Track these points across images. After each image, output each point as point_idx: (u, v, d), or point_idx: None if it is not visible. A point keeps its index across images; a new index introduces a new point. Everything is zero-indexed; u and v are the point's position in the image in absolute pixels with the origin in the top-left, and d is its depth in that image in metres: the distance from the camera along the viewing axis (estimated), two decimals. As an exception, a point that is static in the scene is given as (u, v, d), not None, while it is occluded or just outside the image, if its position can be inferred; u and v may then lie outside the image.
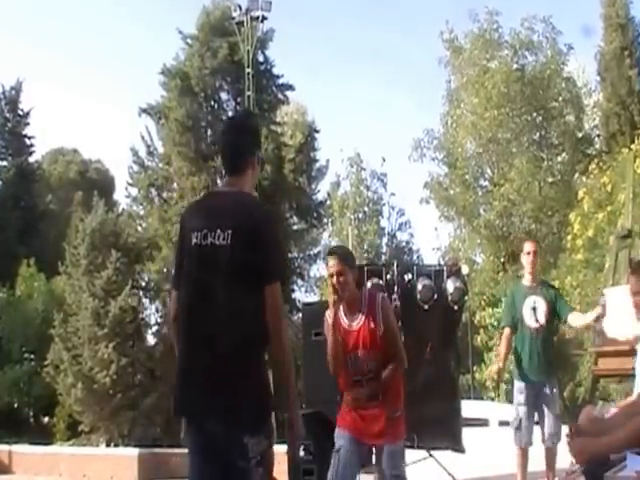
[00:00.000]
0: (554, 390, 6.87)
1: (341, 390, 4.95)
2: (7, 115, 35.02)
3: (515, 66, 27.58)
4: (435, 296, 7.86)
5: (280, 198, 26.32)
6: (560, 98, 28.01)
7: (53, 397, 25.21)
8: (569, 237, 21.84)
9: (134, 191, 27.66)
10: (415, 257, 35.42)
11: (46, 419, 28.25)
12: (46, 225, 33.42)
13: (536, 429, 6.90)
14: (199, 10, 27.76)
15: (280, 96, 28.40)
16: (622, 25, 25.86)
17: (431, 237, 55.54)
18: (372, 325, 4.77)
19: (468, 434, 8.40)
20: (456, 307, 8.08)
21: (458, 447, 8.07)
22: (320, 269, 33.76)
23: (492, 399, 23.01)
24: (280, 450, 3.45)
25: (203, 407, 3.24)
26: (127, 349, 24.01)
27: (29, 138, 35.59)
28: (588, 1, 47.61)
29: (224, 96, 28.35)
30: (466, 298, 8.95)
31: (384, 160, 36.48)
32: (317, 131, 30.68)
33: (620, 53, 25.59)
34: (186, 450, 3.41)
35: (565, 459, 5.30)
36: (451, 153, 28.52)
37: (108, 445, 23.34)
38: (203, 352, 3.26)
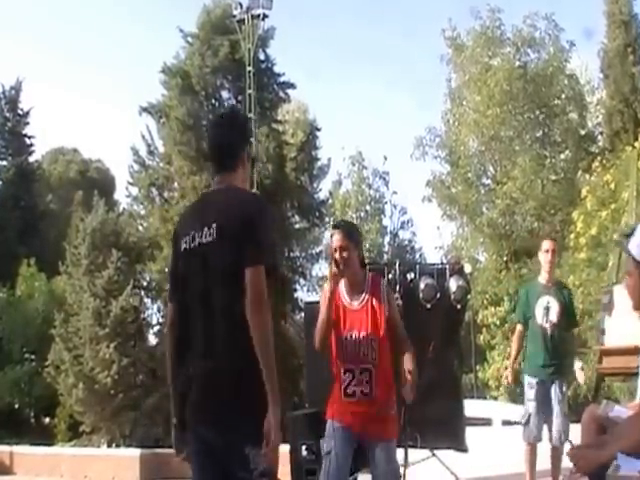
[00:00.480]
0: (563, 389, 6.85)
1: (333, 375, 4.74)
2: (7, 115, 34.95)
3: (517, 64, 27.47)
4: (438, 295, 7.79)
5: (281, 197, 26.26)
6: (563, 95, 27.91)
7: (54, 397, 25.18)
8: (572, 235, 21.74)
9: (135, 190, 27.66)
10: (417, 256, 35.42)
11: (47, 420, 28.24)
12: (46, 225, 33.38)
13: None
14: (200, 8, 27.78)
15: (281, 94, 28.35)
16: (625, 22, 25.73)
17: (433, 236, 55.55)
18: (376, 307, 4.60)
19: (471, 433, 8.36)
20: (459, 306, 8.01)
21: (461, 447, 8.01)
22: (322, 268, 33.74)
23: (495, 398, 22.98)
24: (282, 450, 3.37)
25: (203, 416, 3.14)
26: (128, 349, 23.98)
27: (29, 138, 35.56)
28: (590, -2, 47.45)
29: (225, 95, 28.34)
30: (469, 297, 8.90)
31: (386, 158, 36.44)
32: (318, 129, 30.61)
33: (623, 50, 25.46)
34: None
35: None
36: (453, 151, 28.43)
37: (109, 446, 23.30)
38: (200, 361, 3.16)
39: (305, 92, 55.15)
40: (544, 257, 7.04)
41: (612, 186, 20.12)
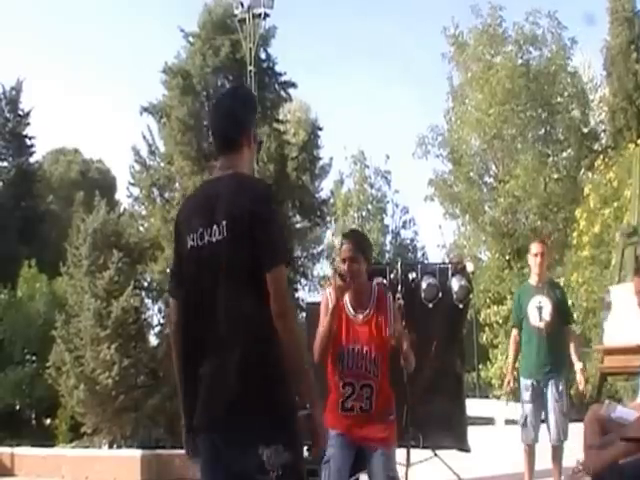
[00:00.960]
0: (560, 388, 6.79)
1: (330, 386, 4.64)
2: (7, 115, 34.87)
3: (520, 61, 27.44)
4: (440, 294, 7.79)
5: (283, 196, 26.17)
6: (565, 93, 27.87)
7: (55, 399, 25.09)
8: (575, 234, 21.73)
9: (136, 191, 27.55)
10: (419, 255, 35.45)
11: (48, 421, 28.18)
12: (47, 226, 33.34)
13: (543, 427, 6.85)
14: (201, 8, 27.72)
15: (283, 94, 28.26)
16: (628, 19, 25.65)
17: (435, 235, 55.47)
18: (381, 322, 4.50)
19: (473, 433, 8.33)
20: (461, 305, 8.00)
21: (463, 446, 8.01)
22: (324, 268, 33.72)
23: (498, 398, 22.90)
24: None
25: (211, 417, 3.01)
26: (129, 350, 23.88)
27: (30, 138, 35.43)
28: (593, -4, 47.33)
29: (226, 94, 28.24)
30: (471, 296, 8.85)
31: (388, 157, 36.59)
32: (320, 129, 30.54)
33: (626, 47, 25.37)
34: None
35: (571, 458, 5.19)
36: (455, 150, 28.40)
37: (111, 447, 23.23)
38: (209, 361, 3.03)
39: (306, 91, 54.99)
40: (533, 260, 7.05)
41: (615, 184, 20.11)
